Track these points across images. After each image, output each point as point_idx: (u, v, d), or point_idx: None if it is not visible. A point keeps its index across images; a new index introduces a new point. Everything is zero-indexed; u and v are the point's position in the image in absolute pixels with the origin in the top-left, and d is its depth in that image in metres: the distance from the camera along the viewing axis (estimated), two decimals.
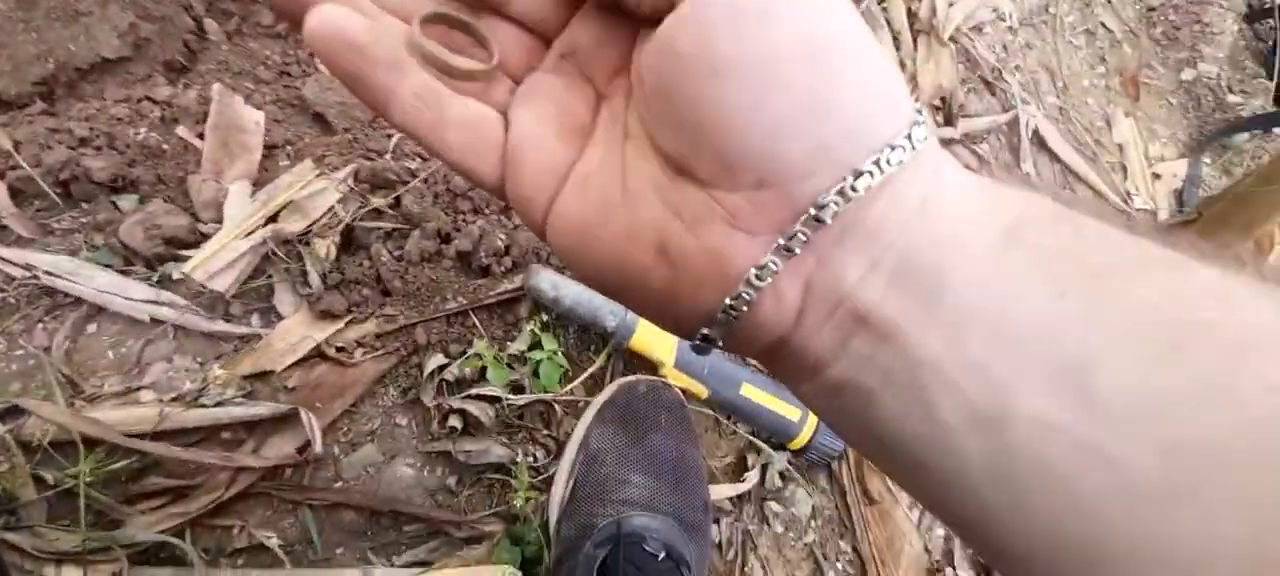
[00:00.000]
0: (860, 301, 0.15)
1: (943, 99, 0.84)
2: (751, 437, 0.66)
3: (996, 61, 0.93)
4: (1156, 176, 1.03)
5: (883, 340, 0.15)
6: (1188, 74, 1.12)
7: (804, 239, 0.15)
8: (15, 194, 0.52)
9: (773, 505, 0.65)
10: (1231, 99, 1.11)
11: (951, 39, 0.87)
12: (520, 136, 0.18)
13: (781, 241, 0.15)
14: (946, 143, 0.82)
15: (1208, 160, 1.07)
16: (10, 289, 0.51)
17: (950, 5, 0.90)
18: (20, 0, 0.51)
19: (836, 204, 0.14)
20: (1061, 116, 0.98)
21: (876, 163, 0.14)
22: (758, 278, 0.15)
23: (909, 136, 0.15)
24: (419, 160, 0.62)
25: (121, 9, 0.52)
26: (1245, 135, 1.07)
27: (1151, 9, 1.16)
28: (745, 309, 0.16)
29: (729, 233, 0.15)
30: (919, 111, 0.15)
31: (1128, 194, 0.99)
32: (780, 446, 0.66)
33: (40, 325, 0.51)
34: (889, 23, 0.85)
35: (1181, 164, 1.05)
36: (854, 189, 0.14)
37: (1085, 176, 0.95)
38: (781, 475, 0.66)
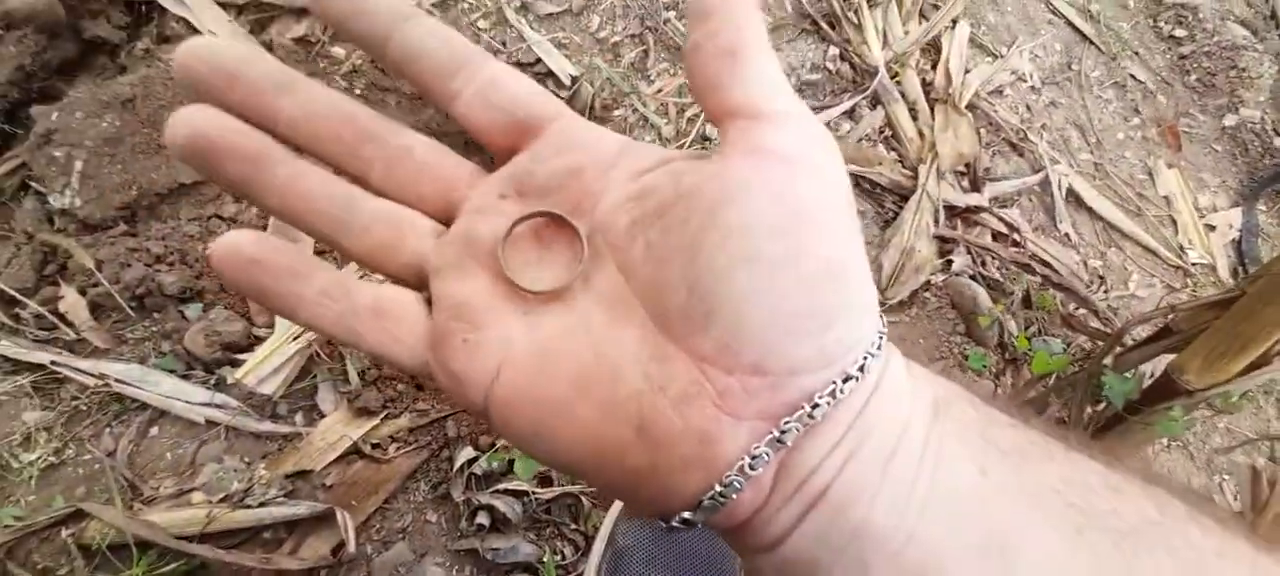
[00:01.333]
0: (821, 479, 0.15)
1: (966, 166, 0.83)
2: None
3: (1021, 123, 0.92)
4: (1210, 227, 0.98)
5: (836, 512, 0.15)
6: (1230, 120, 1.08)
7: (797, 432, 0.15)
8: (95, 309, 0.57)
9: None
10: None
11: (970, 106, 0.87)
12: (450, 312, 0.17)
13: (775, 433, 0.15)
14: (974, 210, 0.80)
15: (1263, 207, 1.01)
16: (83, 397, 0.56)
17: (966, 72, 0.91)
18: (108, 139, 0.58)
19: (827, 403, 0.15)
20: (1097, 172, 0.95)
21: (860, 367, 0.16)
22: (751, 467, 0.15)
23: (878, 344, 0.16)
24: None
25: None
26: None
27: (1183, 57, 1.14)
28: (733, 496, 0.15)
29: (717, 415, 0.15)
30: (881, 316, 0.17)
31: (1181, 248, 0.94)
32: None
33: (108, 430, 0.55)
34: (903, 94, 0.86)
35: (1235, 213, 1.00)
36: (841, 391, 0.15)
37: (1131, 232, 0.91)
38: None
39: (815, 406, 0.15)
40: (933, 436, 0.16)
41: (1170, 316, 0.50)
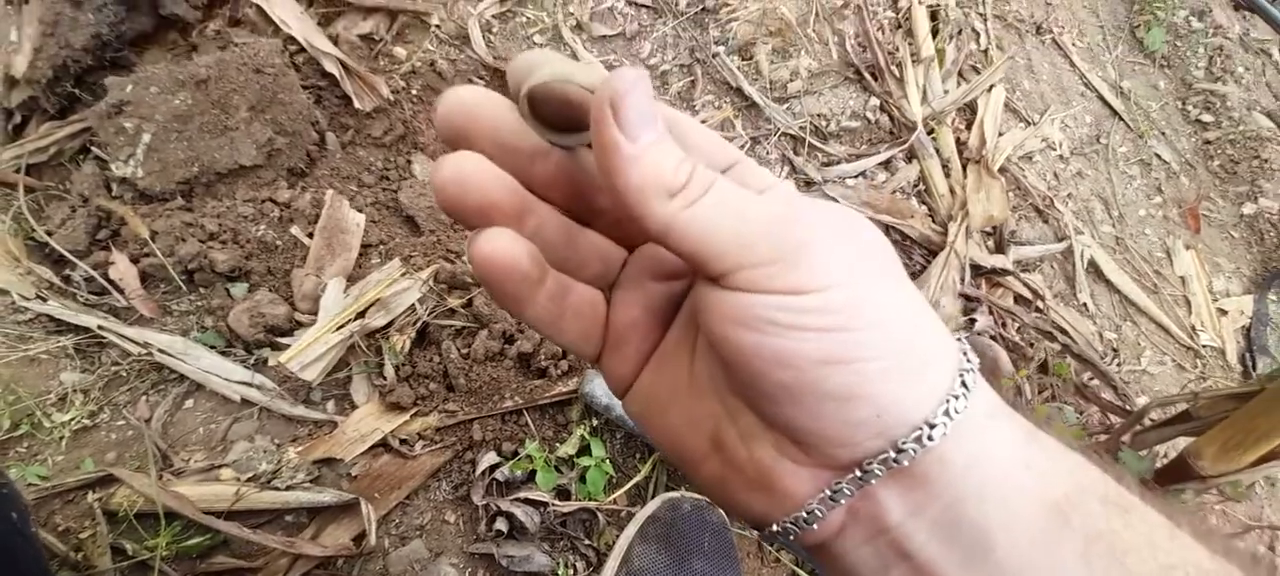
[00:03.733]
0: (904, 539, 0.16)
1: (993, 227, 0.85)
2: (795, 569, 0.64)
3: (1048, 190, 0.94)
4: (1222, 312, 1.00)
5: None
6: (1249, 208, 1.11)
7: (849, 494, 0.17)
8: (145, 278, 0.58)
9: None
10: None
11: (1001, 169, 0.89)
12: (624, 322, 0.21)
13: (828, 493, 0.17)
14: (998, 272, 0.82)
15: (1275, 297, 1.03)
16: (124, 363, 0.56)
17: (1000, 135, 0.93)
18: (178, 116, 0.60)
19: (880, 471, 0.16)
20: (1118, 246, 0.97)
21: (918, 439, 0.16)
22: (805, 520, 0.17)
23: (948, 410, 0.16)
24: None
25: (263, 125, 0.60)
26: None
27: (1208, 142, 1.17)
28: (793, 538, 0.18)
29: (777, 457, 0.17)
30: (964, 374, 0.17)
31: (1193, 329, 0.96)
32: None
33: (144, 398, 0.56)
34: (938, 151, 0.88)
35: (1247, 300, 1.02)
36: (896, 461, 0.16)
37: (1146, 309, 0.93)
38: None
39: (867, 471, 0.16)
40: (1048, 543, 0.16)
41: (1193, 402, 0.52)
